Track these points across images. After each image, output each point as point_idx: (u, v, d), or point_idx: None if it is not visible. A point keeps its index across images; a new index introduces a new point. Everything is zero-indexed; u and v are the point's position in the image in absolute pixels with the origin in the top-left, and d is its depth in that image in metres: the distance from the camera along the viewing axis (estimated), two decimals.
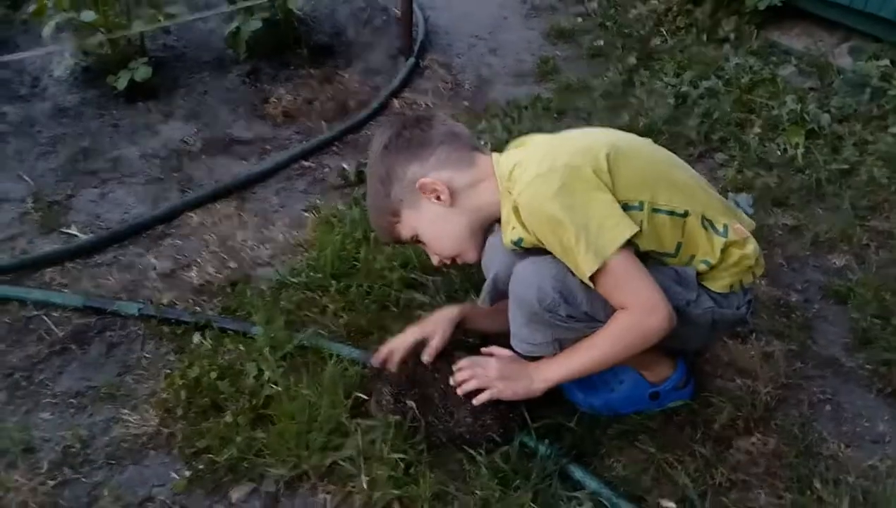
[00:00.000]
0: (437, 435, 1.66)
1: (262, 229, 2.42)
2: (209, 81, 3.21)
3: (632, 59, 3.55)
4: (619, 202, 1.48)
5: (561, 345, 1.59)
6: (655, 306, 1.47)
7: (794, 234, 2.47)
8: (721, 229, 1.57)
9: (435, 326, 1.76)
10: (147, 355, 1.94)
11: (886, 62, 3.30)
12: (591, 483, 1.60)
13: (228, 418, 1.70)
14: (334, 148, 2.87)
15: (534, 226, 1.51)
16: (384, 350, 1.76)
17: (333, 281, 2.10)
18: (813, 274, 2.30)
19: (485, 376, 1.64)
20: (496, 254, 1.71)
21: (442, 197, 1.61)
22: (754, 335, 2.02)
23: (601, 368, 1.61)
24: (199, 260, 2.27)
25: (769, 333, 2.04)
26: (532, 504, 1.53)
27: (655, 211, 1.52)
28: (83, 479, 1.62)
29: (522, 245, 1.58)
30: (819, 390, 1.91)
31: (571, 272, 1.50)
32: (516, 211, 1.54)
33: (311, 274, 2.13)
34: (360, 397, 1.74)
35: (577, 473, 1.63)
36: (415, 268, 2.15)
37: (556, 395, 1.72)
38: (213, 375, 1.78)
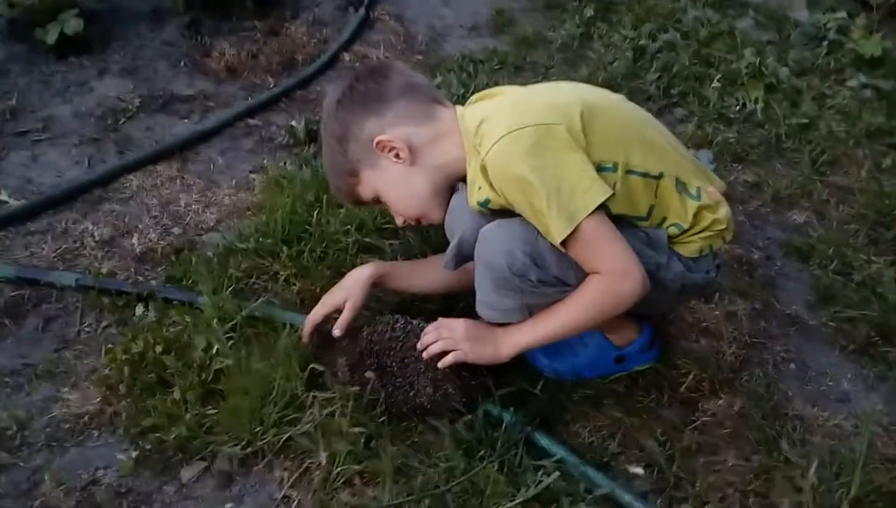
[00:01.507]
0: (397, 406, 1.59)
1: (207, 192, 2.29)
2: (146, 34, 3.00)
3: (589, 11, 3.45)
4: (592, 163, 1.41)
5: (531, 311, 1.53)
6: (629, 270, 1.42)
7: (754, 191, 2.44)
8: (694, 192, 1.52)
9: (346, 293, 1.69)
10: (87, 329, 1.82)
11: (843, 14, 3.28)
12: (558, 451, 1.55)
13: (176, 394, 1.60)
14: (281, 104, 2.73)
15: (502, 187, 1.43)
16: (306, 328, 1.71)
17: (284, 247, 1.99)
18: (774, 232, 2.28)
19: (450, 338, 1.56)
20: (461, 215, 1.62)
21: (401, 155, 1.54)
22: (718, 295, 1.98)
23: (571, 334, 1.57)
24: (140, 226, 2.13)
25: (732, 292, 2.01)
26: (498, 475, 1.48)
27: (629, 172, 1.46)
28: (21, 464, 1.52)
29: (489, 206, 1.51)
30: (783, 349, 1.89)
31: (542, 235, 1.43)
32: (483, 170, 1.45)
33: (261, 239, 2.02)
34: (316, 368, 1.66)
35: (543, 441, 1.58)
36: (371, 232, 2.06)
37: (519, 361, 1.66)
38: (159, 349, 1.67)
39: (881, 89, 2.92)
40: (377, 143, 1.53)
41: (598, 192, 1.39)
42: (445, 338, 1.56)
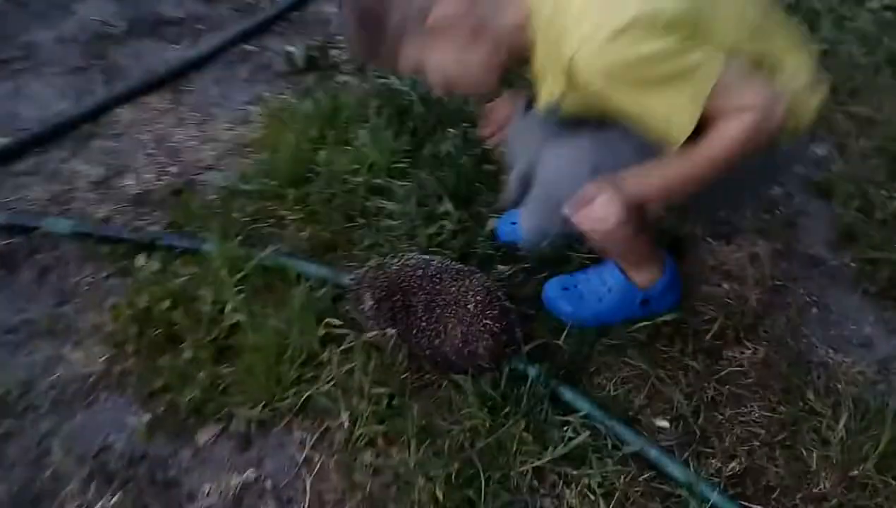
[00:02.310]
0: (419, 350, 1.53)
1: (204, 126, 2.17)
2: None
3: None
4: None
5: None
6: (777, 103, 1.26)
7: None
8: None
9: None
10: (86, 280, 1.73)
11: None
12: (584, 406, 1.51)
13: (187, 353, 1.54)
14: (277, 28, 2.57)
15: (600, 90, 1.26)
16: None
17: (291, 189, 1.90)
18: (794, 165, 2.20)
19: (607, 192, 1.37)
20: (525, 139, 1.49)
21: (460, 33, 1.34)
22: (739, 235, 1.92)
23: (693, 188, 1.38)
24: (134, 165, 2.03)
25: (754, 232, 1.95)
26: (525, 433, 1.45)
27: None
28: (28, 430, 1.45)
29: (563, 106, 1.36)
30: (805, 292, 1.85)
31: (610, 158, 1.35)
32: (567, 69, 1.25)
33: (265, 180, 1.92)
34: (332, 322, 1.59)
35: (568, 395, 1.54)
36: (381, 171, 1.96)
37: (543, 313, 1.61)
38: (166, 304, 1.60)
39: None
40: (433, 21, 1.30)
41: (711, 61, 1.23)
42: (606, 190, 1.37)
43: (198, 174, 2.02)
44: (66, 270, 1.75)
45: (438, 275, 1.52)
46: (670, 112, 1.26)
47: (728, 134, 1.27)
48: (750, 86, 1.27)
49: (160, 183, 1.96)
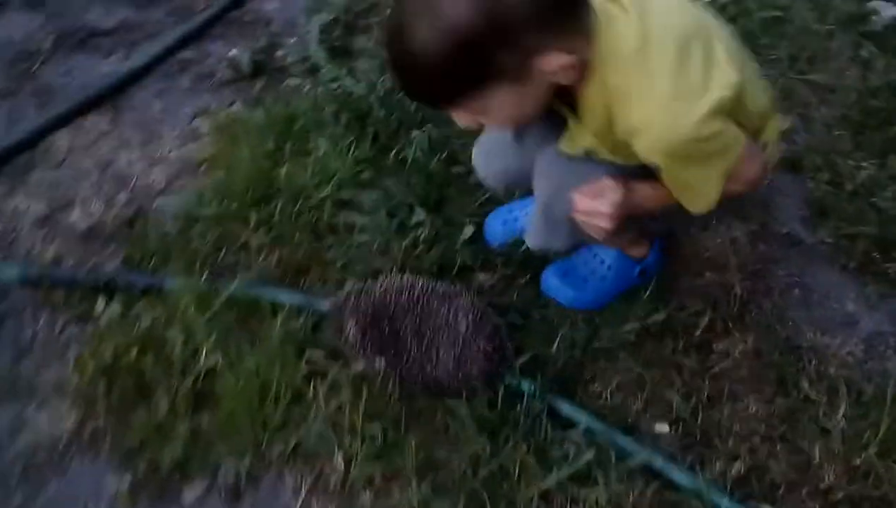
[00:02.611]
0: (409, 378, 1.47)
1: (149, 146, 2.03)
2: None
3: None
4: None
5: (582, 240, 1.45)
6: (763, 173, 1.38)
7: None
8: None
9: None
10: (42, 331, 1.61)
11: None
12: (582, 418, 1.48)
13: (162, 404, 1.44)
14: (216, 31, 2.42)
15: (646, 156, 1.23)
16: None
17: (252, 210, 1.79)
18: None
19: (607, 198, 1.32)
20: (548, 177, 1.41)
21: (562, 75, 1.18)
22: (714, 219, 1.89)
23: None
24: (80, 196, 1.88)
25: (730, 215, 1.93)
26: (527, 456, 1.40)
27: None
28: None
29: (594, 156, 1.34)
30: (785, 273, 1.83)
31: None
32: (626, 133, 1.23)
33: (224, 202, 1.81)
34: (315, 356, 1.51)
35: (566, 408, 1.50)
36: (346, 184, 1.86)
37: (528, 322, 1.58)
38: (132, 353, 1.49)
39: None
40: (545, 65, 1.13)
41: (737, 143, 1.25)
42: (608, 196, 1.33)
43: (150, 200, 1.89)
44: (19, 322, 1.62)
45: (425, 298, 1.46)
46: (702, 185, 1.28)
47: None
48: (751, 159, 1.31)
49: (110, 214, 1.83)
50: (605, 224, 1.32)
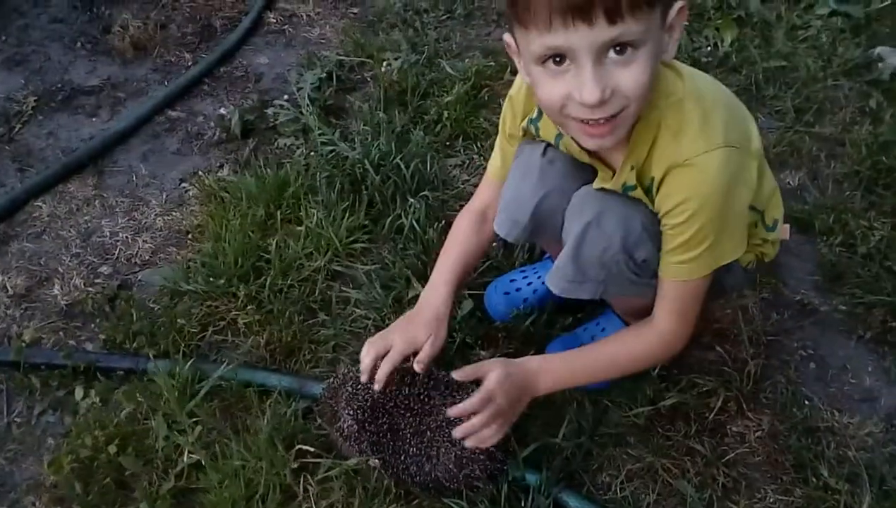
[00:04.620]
0: (407, 478, 1.38)
1: (134, 213, 1.95)
2: (29, 11, 2.52)
3: None
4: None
5: (602, 293, 1.39)
6: (689, 334, 1.40)
7: None
8: (770, 223, 1.44)
9: (428, 329, 1.42)
10: (17, 420, 1.52)
11: None
12: None
13: (143, 506, 1.35)
14: (204, 87, 2.34)
15: (672, 197, 1.24)
16: (365, 361, 1.38)
17: (241, 285, 1.71)
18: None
19: (500, 416, 1.33)
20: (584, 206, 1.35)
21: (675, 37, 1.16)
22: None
23: (605, 379, 1.54)
24: (60, 268, 1.80)
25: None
26: None
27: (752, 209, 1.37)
28: None
29: (629, 193, 1.31)
30: (800, 345, 1.76)
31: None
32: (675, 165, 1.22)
33: (211, 278, 1.72)
34: (305, 449, 1.42)
35: (574, 503, 1.41)
36: (339, 255, 1.78)
37: (533, 409, 1.46)
38: (112, 449, 1.40)
39: (851, 16, 2.73)
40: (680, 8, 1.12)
41: (740, 248, 1.33)
42: (497, 419, 1.33)
43: (133, 273, 1.81)
44: None
45: (427, 393, 1.38)
46: (719, 251, 1.29)
47: (639, 347, 1.42)
48: (695, 309, 1.39)
49: (91, 289, 1.75)
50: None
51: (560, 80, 1.09)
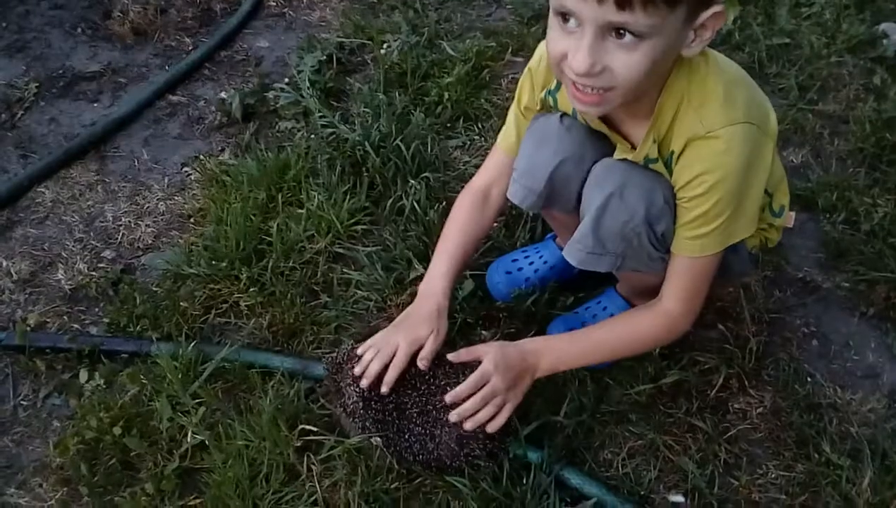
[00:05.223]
0: (410, 456, 1.38)
1: (136, 198, 1.95)
2: None
3: None
4: None
5: (619, 267, 1.38)
6: (696, 314, 1.41)
7: None
8: (777, 209, 1.46)
9: (430, 324, 1.42)
10: (24, 403, 1.53)
11: None
12: (593, 490, 1.40)
13: (149, 486, 1.36)
14: (206, 71, 2.34)
15: (692, 168, 1.25)
16: (373, 368, 1.38)
17: (243, 267, 1.71)
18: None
19: (495, 396, 1.35)
20: (606, 176, 1.35)
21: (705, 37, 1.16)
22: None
23: (608, 359, 1.55)
24: (63, 253, 1.81)
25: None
26: None
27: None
28: None
29: (650, 165, 1.32)
30: (802, 322, 1.76)
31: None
32: (691, 137, 1.23)
33: (213, 261, 1.73)
34: (308, 429, 1.43)
35: (575, 479, 1.42)
36: (340, 237, 1.79)
37: (535, 387, 1.45)
38: (117, 431, 1.41)
39: None
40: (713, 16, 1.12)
41: (752, 226, 1.34)
42: (491, 400, 1.35)
43: (136, 257, 1.81)
44: None
45: (432, 371, 1.38)
46: (733, 228, 1.30)
47: (643, 327, 1.43)
48: (702, 290, 1.40)
49: (95, 273, 1.76)
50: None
51: (565, 37, 1.12)
